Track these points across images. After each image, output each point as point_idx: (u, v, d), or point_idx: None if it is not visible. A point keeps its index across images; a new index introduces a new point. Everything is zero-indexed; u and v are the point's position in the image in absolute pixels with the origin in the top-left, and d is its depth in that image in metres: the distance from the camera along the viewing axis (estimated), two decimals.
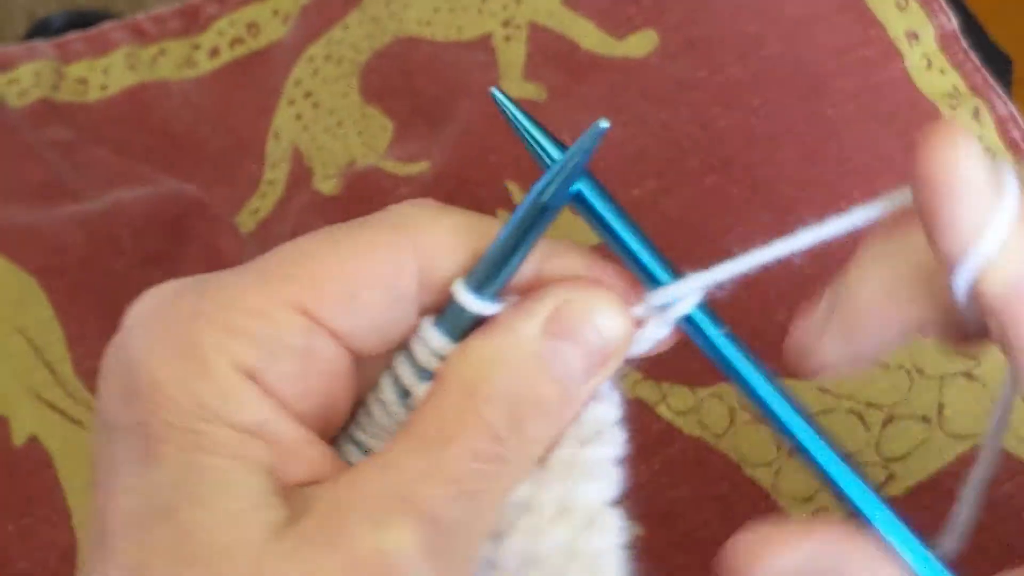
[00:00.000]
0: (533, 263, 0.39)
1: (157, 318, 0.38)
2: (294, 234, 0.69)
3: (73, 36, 0.75)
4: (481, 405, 0.36)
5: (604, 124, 0.37)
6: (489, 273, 0.38)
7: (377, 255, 0.38)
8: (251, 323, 0.37)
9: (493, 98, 0.39)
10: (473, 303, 0.38)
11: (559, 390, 0.38)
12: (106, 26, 0.76)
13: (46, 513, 0.62)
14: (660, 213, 0.66)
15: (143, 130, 0.73)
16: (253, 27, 0.76)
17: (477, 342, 0.38)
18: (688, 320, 0.40)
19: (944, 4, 0.70)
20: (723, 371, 0.40)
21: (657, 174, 0.67)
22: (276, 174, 0.72)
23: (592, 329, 0.38)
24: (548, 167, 0.38)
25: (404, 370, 0.39)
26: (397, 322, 0.39)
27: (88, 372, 0.65)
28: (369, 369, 0.40)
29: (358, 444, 0.40)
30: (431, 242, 0.38)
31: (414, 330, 0.39)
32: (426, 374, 0.39)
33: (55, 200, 0.70)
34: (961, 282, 0.37)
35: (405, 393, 0.39)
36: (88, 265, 0.67)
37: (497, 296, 0.38)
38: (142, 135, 0.73)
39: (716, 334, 0.40)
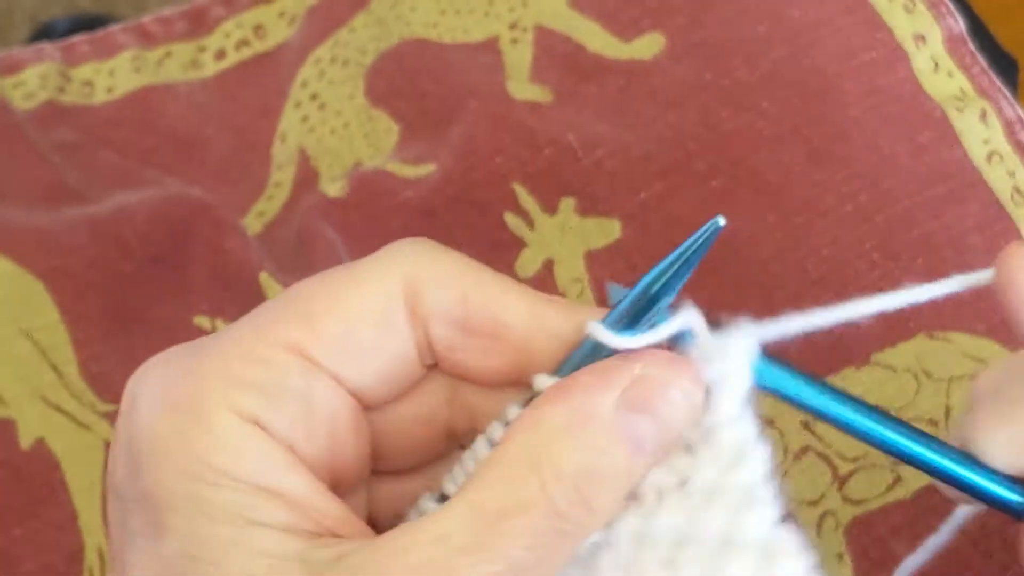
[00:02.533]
0: (489, 303, 0.39)
1: (157, 383, 0.37)
2: (300, 236, 0.70)
3: (79, 39, 0.75)
4: (548, 481, 0.35)
5: (721, 222, 0.36)
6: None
7: (366, 288, 0.38)
8: (249, 369, 0.36)
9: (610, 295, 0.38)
10: (611, 338, 0.37)
11: (629, 462, 0.36)
12: (112, 28, 0.76)
13: (53, 515, 0.62)
14: (667, 215, 0.66)
15: (149, 132, 0.73)
16: (259, 29, 0.76)
17: (548, 408, 0.36)
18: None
19: (951, 6, 0.70)
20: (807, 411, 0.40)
21: (663, 176, 0.67)
22: (282, 176, 0.72)
23: (668, 404, 0.36)
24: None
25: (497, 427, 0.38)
26: (399, 369, 0.39)
27: (94, 375, 0.65)
28: (379, 423, 0.40)
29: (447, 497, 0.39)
30: (417, 274, 0.38)
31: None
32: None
33: (61, 202, 0.70)
34: None
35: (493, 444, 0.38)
36: (94, 268, 0.67)
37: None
38: (148, 137, 0.73)
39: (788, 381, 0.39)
